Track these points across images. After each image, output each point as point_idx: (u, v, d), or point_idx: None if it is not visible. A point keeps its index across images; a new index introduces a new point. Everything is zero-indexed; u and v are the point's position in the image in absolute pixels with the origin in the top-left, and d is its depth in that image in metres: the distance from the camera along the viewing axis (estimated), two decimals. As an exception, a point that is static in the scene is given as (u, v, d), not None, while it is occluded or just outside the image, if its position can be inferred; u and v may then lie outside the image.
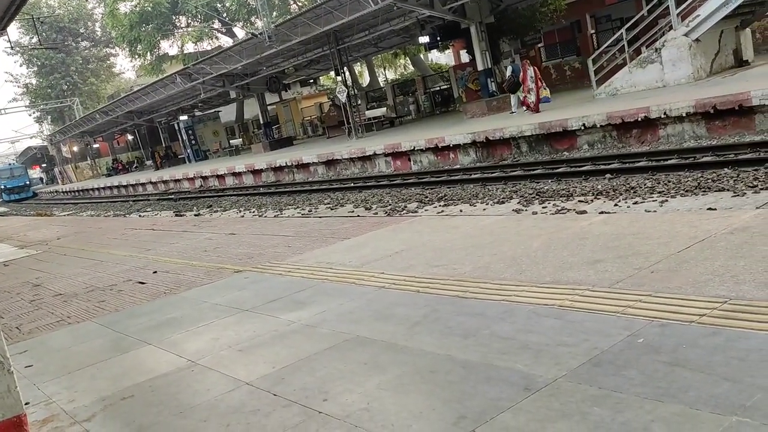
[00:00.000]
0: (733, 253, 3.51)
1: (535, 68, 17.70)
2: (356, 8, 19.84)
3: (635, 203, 7.81)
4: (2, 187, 56.03)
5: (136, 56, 42.08)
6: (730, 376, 2.29)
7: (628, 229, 4.52)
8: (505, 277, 3.99)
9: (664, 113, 11.52)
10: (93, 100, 57.18)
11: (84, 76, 57.87)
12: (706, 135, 11.14)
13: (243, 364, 3.46)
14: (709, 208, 6.60)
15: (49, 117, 62.63)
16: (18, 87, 60.33)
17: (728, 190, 7.51)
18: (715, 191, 7.60)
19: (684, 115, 11.29)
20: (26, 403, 3.05)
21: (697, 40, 15.01)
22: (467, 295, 3.81)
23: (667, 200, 7.63)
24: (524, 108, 17.72)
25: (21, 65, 58.07)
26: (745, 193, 7.20)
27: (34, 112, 62.37)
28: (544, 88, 17.27)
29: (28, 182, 57.82)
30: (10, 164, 61.50)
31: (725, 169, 8.53)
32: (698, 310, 2.89)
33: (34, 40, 48.24)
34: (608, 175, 9.77)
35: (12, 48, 46.60)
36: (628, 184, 8.91)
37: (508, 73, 18.69)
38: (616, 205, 7.91)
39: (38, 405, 3.47)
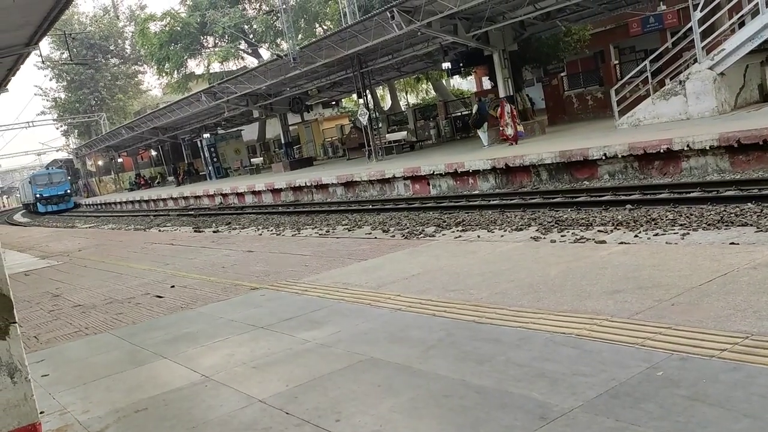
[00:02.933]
0: (756, 288, 3.46)
1: (512, 107, 19.39)
2: (381, 33, 20.08)
3: (656, 235, 7.72)
4: (37, 195, 47.04)
5: (164, 74, 42.87)
6: (750, 413, 2.25)
7: (649, 260, 4.47)
8: (522, 304, 3.96)
9: (687, 146, 11.44)
10: (119, 116, 58.18)
11: (112, 92, 58.96)
12: (729, 169, 11.03)
13: (257, 381, 3.46)
14: (732, 243, 6.51)
15: (76, 131, 63.66)
16: (47, 101, 61.53)
17: (751, 225, 7.41)
18: (738, 226, 7.49)
19: (707, 148, 11.21)
20: (41, 412, 3.07)
21: (721, 73, 14.95)
22: (483, 320, 3.79)
23: (688, 233, 7.54)
24: (504, 140, 19.31)
25: (51, 79, 59.18)
26: (769, 229, 7.10)
27: (61, 126, 63.52)
28: (519, 124, 19.27)
29: (69, 190, 49.06)
30: (48, 168, 53.07)
31: (749, 204, 8.42)
32: (719, 344, 2.85)
33: (65, 55, 49.42)
34: (629, 206, 9.69)
35: (43, 62, 47.73)
36: (649, 215, 8.82)
37: (474, 110, 20.66)
38: (636, 236, 7.83)
39: (53, 414, 3.50)
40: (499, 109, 19.27)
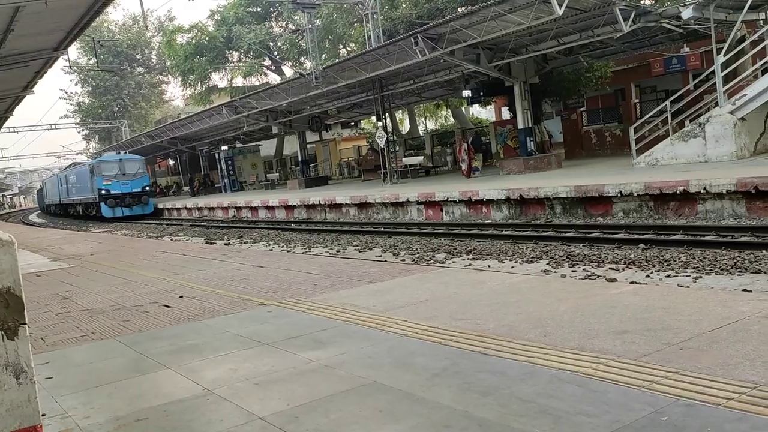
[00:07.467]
0: (766, 338, 3.42)
1: (469, 145, 22.83)
2: (403, 58, 20.28)
3: (668, 276, 7.67)
4: (103, 191, 32.68)
5: (188, 85, 43.45)
6: (755, 466, 2.22)
7: (659, 302, 4.44)
8: (529, 338, 3.94)
9: (704, 188, 11.39)
10: (140, 124, 58.96)
11: (135, 100, 59.83)
12: (745, 214, 10.95)
13: (258, 398, 3.46)
14: (744, 290, 6.43)
15: (97, 136, 64.55)
16: (71, 104, 62.55)
17: (765, 272, 7.33)
18: (752, 273, 7.42)
19: (724, 192, 11.15)
20: (43, 414, 3.09)
21: (742, 118, 14.92)
22: (489, 352, 3.77)
23: (701, 276, 7.48)
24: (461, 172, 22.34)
25: (76, 84, 60.20)
26: (783, 278, 7.02)
27: (83, 130, 64.46)
28: (476, 160, 22.98)
29: (148, 186, 35.20)
30: (119, 153, 36.39)
31: (763, 251, 8.34)
32: (726, 393, 2.81)
33: (92, 61, 50.23)
34: (642, 245, 9.63)
35: (70, 67, 48.50)
36: (662, 256, 8.76)
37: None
38: (648, 276, 7.77)
39: (54, 417, 3.50)
40: (458, 147, 22.82)
